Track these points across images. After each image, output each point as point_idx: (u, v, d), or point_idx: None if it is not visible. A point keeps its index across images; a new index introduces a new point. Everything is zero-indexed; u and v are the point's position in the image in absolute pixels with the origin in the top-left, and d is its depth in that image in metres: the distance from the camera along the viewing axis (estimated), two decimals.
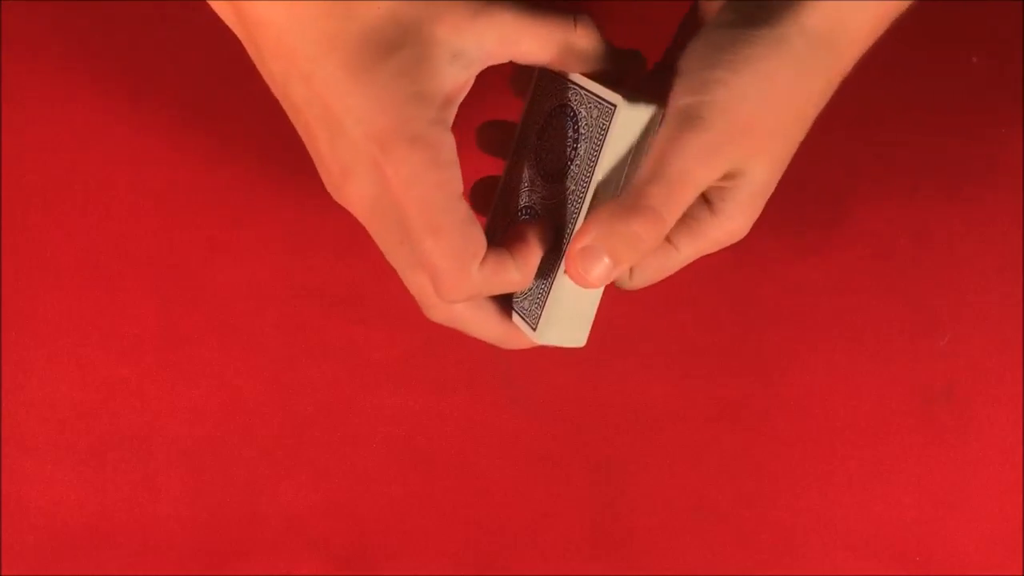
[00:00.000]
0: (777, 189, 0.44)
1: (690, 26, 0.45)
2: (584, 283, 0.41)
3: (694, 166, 0.40)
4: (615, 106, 0.41)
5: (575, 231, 0.42)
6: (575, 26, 0.41)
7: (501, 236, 0.44)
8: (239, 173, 0.60)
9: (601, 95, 0.42)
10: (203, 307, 0.60)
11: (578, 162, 0.43)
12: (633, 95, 0.41)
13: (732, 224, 0.43)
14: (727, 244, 0.44)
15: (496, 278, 0.42)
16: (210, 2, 0.40)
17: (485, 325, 0.46)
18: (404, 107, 0.38)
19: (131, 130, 0.61)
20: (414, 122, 0.38)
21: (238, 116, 0.60)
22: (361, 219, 0.41)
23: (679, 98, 0.40)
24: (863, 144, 0.60)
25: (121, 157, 0.60)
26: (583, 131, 0.43)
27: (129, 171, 0.60)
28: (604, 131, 0.41)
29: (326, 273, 0.60)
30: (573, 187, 0.43)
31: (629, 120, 0.41)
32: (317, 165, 0.41)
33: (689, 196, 0.40)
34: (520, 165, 0.46)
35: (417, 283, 0.43)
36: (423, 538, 0.60)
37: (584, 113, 0.43)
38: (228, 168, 0.60)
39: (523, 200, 0.46)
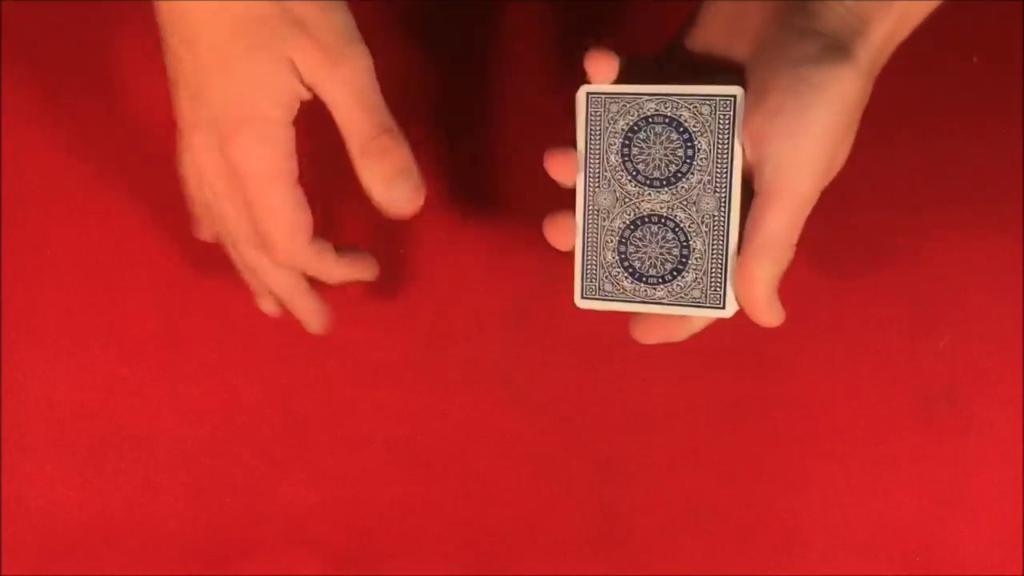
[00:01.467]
0: None
1: (707, 27, 0.49)
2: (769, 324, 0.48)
3: (807, 205, 0.45)
4: (734, 96, 0.46)
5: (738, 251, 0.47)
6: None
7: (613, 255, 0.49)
8: None
9: (711, 92, 0.47)
10: (203, 307, 0.60)
11: (702, 157, 0.47)
12: (733, 81, 0.46)
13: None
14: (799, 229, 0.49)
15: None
16: None
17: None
18: (260, 100, 0.44)
19: (131, 130, 0.61)
20: (266, 116, 0.45)
21: None
22: (192, 171, 0.48)
23: (783, 139, 0.44)
24: (863, 144, 0.60)
25: (121, 157, 0.60)
26: (696, 128, 0.47)
27: (129, 171, 0.60)
28: (728, 121, 0.47)
29: None
30: (706, 179, 0.48)
31: (741, 104, 0.46)
32: (175, 105, 0.47)
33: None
34: (601, 189, 0.49)
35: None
36: (423, 538, 0.60)
37: (688, 114, 0.47)
38: None
39: (632, 214, 0.49)
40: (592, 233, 0.49)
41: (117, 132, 0.60)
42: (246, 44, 0.44)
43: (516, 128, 0.61)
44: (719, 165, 0.47)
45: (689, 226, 0.48)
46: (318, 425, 0.60)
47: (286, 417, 0.60)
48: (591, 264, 0.49)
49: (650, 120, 0.48)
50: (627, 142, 0.48)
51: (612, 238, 0.49)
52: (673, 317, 0.50)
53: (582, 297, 0.49)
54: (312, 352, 0.60)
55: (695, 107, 0.47)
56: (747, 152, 0.46)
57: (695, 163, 0.48)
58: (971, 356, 0.60)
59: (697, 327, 0.51)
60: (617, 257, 0.49)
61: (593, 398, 0.60)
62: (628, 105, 0.48)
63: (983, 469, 0.60)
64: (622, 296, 0.49)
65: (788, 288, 0.61)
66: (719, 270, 0.48)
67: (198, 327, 0.60)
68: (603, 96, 0.48)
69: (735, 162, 0.47)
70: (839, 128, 0.44)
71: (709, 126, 0.47)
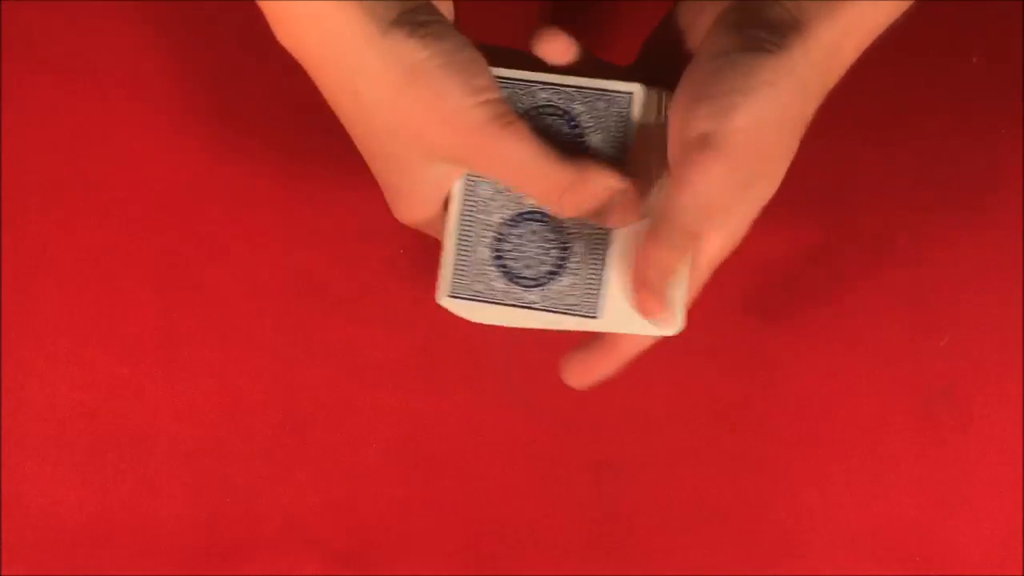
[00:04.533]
0: (778, 189, 0.45)
1: (671, 33, 0.48)
2: (656, 316, 0.44)
3: (720, 193, 0.42)
4: (630, 94, 0.44)
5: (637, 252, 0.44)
6: None
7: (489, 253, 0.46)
8: (238, 172, 0.60)
9: (606, 88, 0.44)
10: (203, 307, 0.60)
11: (592, 153, 0.44)
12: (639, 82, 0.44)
13: (736, 232, 0.47)
14: (729, 251, 0.48)
15: None
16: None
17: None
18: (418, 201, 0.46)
19: (131, 130, 0.61)
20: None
21: (238, 116, 0.60)
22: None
23: (701, 123, 0.41)
24: (863, 144, 0.60)
25: (121, 157, 0.60)
26: (589, 124, 0.45)
27: (129, 171, 0.60)
28: (624, 119, 0.44)
29: (326, 273, 0.60)
30: None
31: (646, 103, 0.44)
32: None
33: (714, 216, 0.43)
34: (481, 179, 0.46)
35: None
36: (423, 538, 0.60)
37: (581, 108, 0.45)
38: (227, 167, 0.60)
39: (513, 209, 0.46)
40: (468, 225, 0.46)
41: (117, 133, 0.60)
42: (388, 169, 0.44)
43: None
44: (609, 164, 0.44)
45: (571, 228, 0.45)
46: (318, 425, 0.60)
47: (286, 417, 0.60)
48: (463, 260, 0.46)
49: (541, 110, 0.45)
50: None
51: (489, 233, 0.46)
52: (603, 354, 0.48)
53: (449, 295, 0.46)
54: (312, 352, 0.60)
55: (590, 101, 0.44)
56: (669, 140, 0.43)
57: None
58: (971, 356, 0.60)
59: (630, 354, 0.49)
60: (492, 254, 0.46)
61: (593, 398, 0.60)
62: (521, 93, 0.45)
63: (983, 469, 0.60)
64: (492, 297, 0.46)
65: (789, 288, 0.61)
66: (595, 276, 0.45)
67: (198, 327, 0.60)
68: (496, 80, 0.44)
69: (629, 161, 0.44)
70: (765, 123, 0.41)
71: (602, 122, 0.44)
